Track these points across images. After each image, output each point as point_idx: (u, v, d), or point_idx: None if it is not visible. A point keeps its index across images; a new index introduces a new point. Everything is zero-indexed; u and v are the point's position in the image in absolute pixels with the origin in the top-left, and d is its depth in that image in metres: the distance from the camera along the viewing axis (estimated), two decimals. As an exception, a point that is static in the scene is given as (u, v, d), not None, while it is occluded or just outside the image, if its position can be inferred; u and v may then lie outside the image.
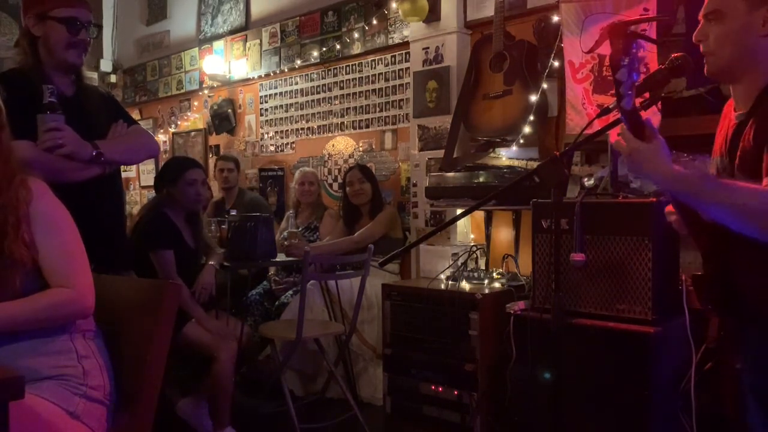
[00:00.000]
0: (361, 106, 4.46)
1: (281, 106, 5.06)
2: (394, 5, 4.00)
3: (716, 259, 1.56)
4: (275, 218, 4.24)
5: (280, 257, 3.63)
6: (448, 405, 2.93)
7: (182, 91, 5.97)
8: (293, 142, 4.99)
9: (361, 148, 4.47)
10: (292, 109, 4.97)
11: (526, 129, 3.19)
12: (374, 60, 4.36)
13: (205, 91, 5.70)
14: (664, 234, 2.35)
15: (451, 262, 3.28)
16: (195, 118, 5.90)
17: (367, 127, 4.43)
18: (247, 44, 5.27)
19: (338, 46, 4.51)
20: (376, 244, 3.56)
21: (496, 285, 3.05)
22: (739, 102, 1.53)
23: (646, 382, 2.24)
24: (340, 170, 4.57)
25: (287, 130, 5.02)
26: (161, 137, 6.15)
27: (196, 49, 5.78)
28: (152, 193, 5.04)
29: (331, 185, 4.68)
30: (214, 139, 5.71)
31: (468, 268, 3.17)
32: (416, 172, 3.81)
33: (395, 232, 3.91)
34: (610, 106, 1.67)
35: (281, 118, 5.07)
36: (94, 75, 6.39)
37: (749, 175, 1.40)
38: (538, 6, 3.36)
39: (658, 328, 2.26)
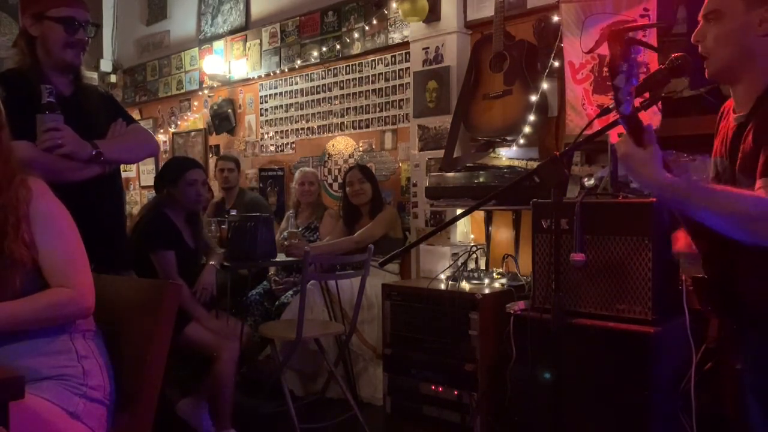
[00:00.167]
0: (361, 106, 4.46)
1: (281, 106, 5.06)
2: (394, 5, 4.00)
3: (715, 262, 1.56)
4: (275, 218, 4.24)
5: (280, 257, 3.63)
6: (448, 405, 2.93)
7: (182, 91, 5.97)
8: (293, 142, 4.99)
9: (361, 148, 4.47)
10: (292, 109, 4.97)
11: (526, 129, 3.19)
12: (374, 60, 4.36)
13: (205, 91, 5.70)
14: (664, 234, 2.35)
15: (451, 262, 3.28)
16: (195, 118, 5.90)
17: (367, 127, 4.43)
18: (247, 44, 5.27)
19: (338, 46, 4.51)
20: (376, 244, 3.56)
21: (496, 285, 3.05)
22: (740, 103, 1.52)
23: (646, 382, 2.24)
24: (340, 170, 4.57)
25: (287, 130, 5.02)
26: (161, 137, 6.15)
27: (196, 49, 5.78)
28: (152, 193, 5.05)
29: (331, 185, 4.68)
30: (214, 139, 5.71)
31: (468, 268, 3.17)
32: (416, 172, 3.81)
33: (395, 232, 3.91)
34: (610, 107, 1.67)
35: (281, 118, 5.07)
36: (94, 75, 6.39)
37: (750, 176, 1.40)
38: (538, 6, 3.36)
39: (658, 328, 2.26)
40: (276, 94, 5.11)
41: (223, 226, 3.85)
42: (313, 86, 4.81)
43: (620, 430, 2.31)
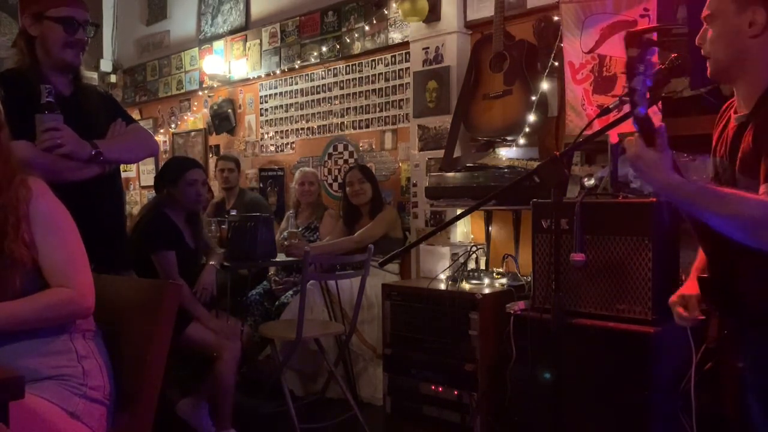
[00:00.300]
0: (361, 106, 4.46)
1: (281, 106, 5.06)
2: (394, 5, 4.00)
3: (717, 262, 1.58)
4: (275, 218, 4.24)
5: (280, 257, 3.63)
6: (448, 405, 2.93)
7: (182, 91, 5.97)
8: (293, 142, 4.99)
9: (361, 148, 4.47)
10: (292, 109, 4.97)
11: (526, 129, 3.19)
12: (374, 60, 4.36)
13: (205, 91, 5.69)
14: (664, 234, 2.35)
15: (451, 262, 3.28)
16: (195, 118, 5.90)
17: (367, 127, 4.43)
18: (247, 44, 5.27)
19: (338, 46, 4.51)
20: (376, 244, 3.55)
21: (496, 285, 3.04)
22: (741, 103, 1.53)
23: (646, 382, 2.24)
24: (340, 170, 4.57)
25: (287, 130, 5.02)
26: (161, 137, 6.15)
27: (196, 49, 5.78)
28: (152, 193, 5.05)
29: (331, 185, 4.68)
30: (214, 139, 5.71)
31: (468, 268, 3.17)
32: (416, 172, 3.81)
33: (395, 232, 3.91)
34: (610, 106, 1.67)
35: (281, 118, 5.07)
36: (94, 75, 6.39)
37: (750, 177, 1.41)
38: (538, 6, 3.35)
39: (658, 328, 2.26)
40: (276, 94, 5.11)
41: (223, 226, 3.85)
42: (313, 86, 4.80)
43: (620, 430, 2.31)
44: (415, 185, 3.82)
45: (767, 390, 1.51)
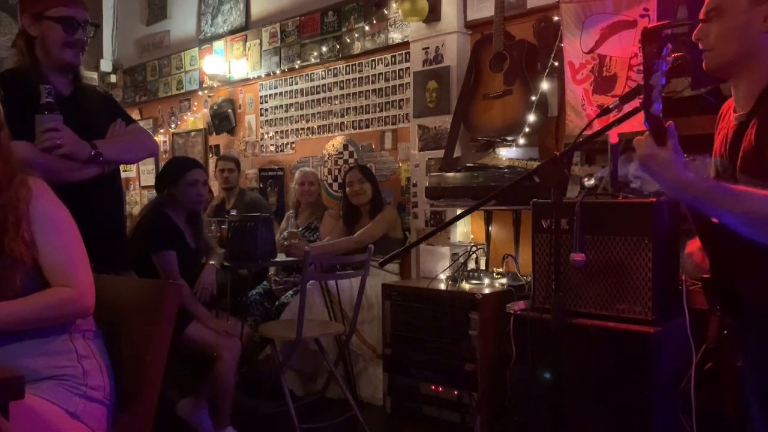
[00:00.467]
0: (361, 106, 4.46)
1: (281, 106, 5.06)
2: (394, 5, 4.00)
3: (718, 262, 1.57)
4: (275, 218, 4.24)
5: (280, 257, 3.63)
6: (448, 405, 2.93)
7: (182, 91, 5.97)
8: (293, 142, 4.99)
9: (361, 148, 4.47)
10: (292, 109, 4.97)
11: (526, 129, 3.19)
12: (374, 60, 4.36)
13: (205, 91, 5.69)
14: (664, 234, 2.35)
15: (451, 262, 3.28)
16: (195, 118, 5.90)
17: (367, 127, 4.43)
18: (247, 44, 5.27)
19: (338, 46, 4.51)
20: (376, 244, 3.56)
21: (496, 285, 3.04)
22: (740, 102, 1.52)
23: (646, 382, 2.24)
24: (340, 170, 4.57)
25: (287, 130, 5.02)
26: (161, 137, 6.15)
27: (196, 49, 5.78)
28: (152, 193, 5.06)
29: (331, 185, 4.68)
30: (214, 139, 5.71)
31: (468, 268, 3.17)
32: (416, 172, 3.81)
33: (395, 232, 3.91)
34: (610, 106, 1.67)
35: (281, 118, 5.07)
36: (94, 75, 6.39)
37: (751, 176, 1.40)
38: (538, 6, 3.35)
39: (658, 328, 2.26)
40: (276, 94, 5.11)
41: (223, 226, 3.85)
42: (313, 86, 4.80)
43: (620, 430, 2.31)
44: (415, 185, 3.82)
45: (767, 390, 1.51)
